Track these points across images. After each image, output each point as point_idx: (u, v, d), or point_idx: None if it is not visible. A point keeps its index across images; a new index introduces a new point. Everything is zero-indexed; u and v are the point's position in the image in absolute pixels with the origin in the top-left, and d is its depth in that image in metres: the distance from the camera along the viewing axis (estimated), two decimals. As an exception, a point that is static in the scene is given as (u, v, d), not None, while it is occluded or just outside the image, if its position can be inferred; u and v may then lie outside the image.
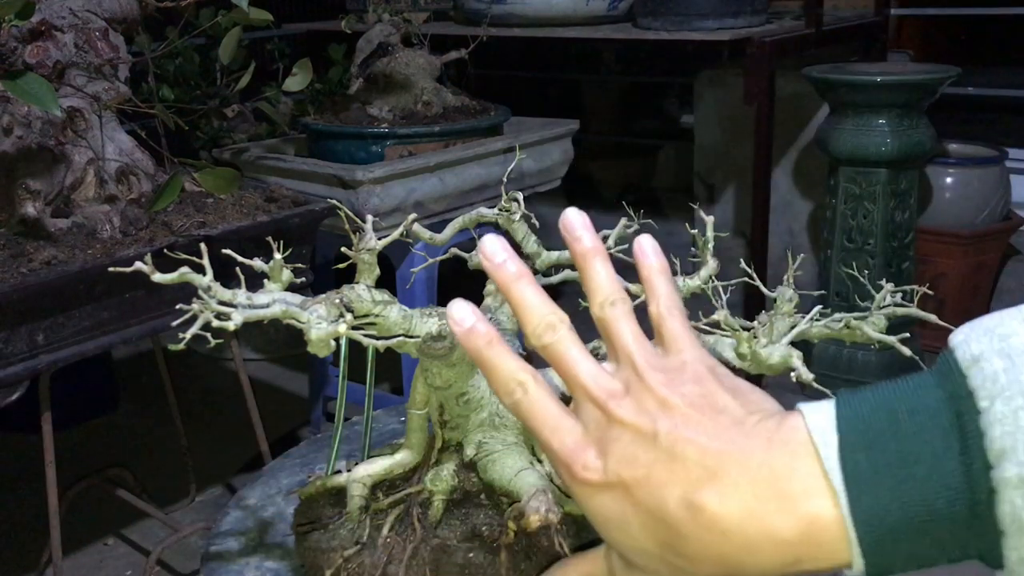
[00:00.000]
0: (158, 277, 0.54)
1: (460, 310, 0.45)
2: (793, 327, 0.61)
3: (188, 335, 0.51)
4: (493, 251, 0.46)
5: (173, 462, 1.98)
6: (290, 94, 1.87)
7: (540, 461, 0.67)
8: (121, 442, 2.21)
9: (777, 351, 0.59)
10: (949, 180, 2.43)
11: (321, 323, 0.55)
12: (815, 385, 0.60)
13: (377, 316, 0.61)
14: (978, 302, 2.52)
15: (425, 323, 0.61)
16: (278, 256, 0.60)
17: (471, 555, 0.63)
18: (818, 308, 0.63)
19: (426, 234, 0.73)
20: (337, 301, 0.60)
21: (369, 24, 1.93)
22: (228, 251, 0.59)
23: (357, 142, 1.83)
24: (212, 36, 1.57)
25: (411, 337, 0.61)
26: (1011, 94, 3.17)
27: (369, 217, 0.69)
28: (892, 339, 0.61)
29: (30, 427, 1.51)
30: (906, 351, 0.60)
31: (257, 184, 1.67)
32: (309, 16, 2.98)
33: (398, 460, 0.68)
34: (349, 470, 0.72)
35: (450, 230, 0.74)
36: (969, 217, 2.41)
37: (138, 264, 0.53)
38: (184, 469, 1.91)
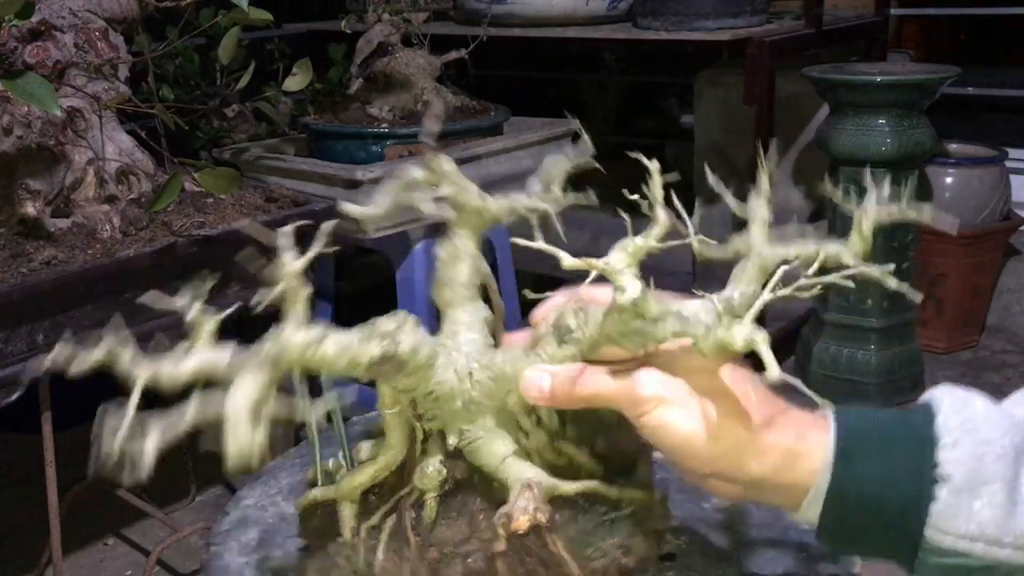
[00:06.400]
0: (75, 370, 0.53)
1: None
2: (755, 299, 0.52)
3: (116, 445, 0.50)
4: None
5: (173, 462, 1.97)
6: (290, 94, 1.87)
7: (526, 434, 0.62)
8: (121, 442, 2.21)
9: (740, 332, 0.50)
10: (949, 180, 2.43)
11: (239, 423, 0.52)
12: (806, 390, 0.53)
13: (311, 359, 0.57)
14: (978, 302, 2.52)
15: (368, 347, 0.57)
16: (197, 306, 0.55)
17: (469, 561, 0.61)
18: (783, 270, 0.54)
19: (356, 210, 0.64)
20: (265, 355, 0.55)
21: (369, 24, 1.93)
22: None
23: (357, 142, 1.83)
24: (212, 36, 1.57)
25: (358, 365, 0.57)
26: (1011, 94, 3.17)
27: (282, 231, 0.59)
28: (875, 270, 0.53)
29: (30, 427, 1.51)
30: (892, 282, 0.53)
31: (257, 184, 1.67)
32: (309, 16, 2.98)
33: (383, 464, 0.65)
34: (337, 472, 0.69)
35: (383, 199, 0.63)
36: (969, 217, 2.41)
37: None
38: (184, 469, 1.91)
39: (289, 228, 0.60)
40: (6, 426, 2.19)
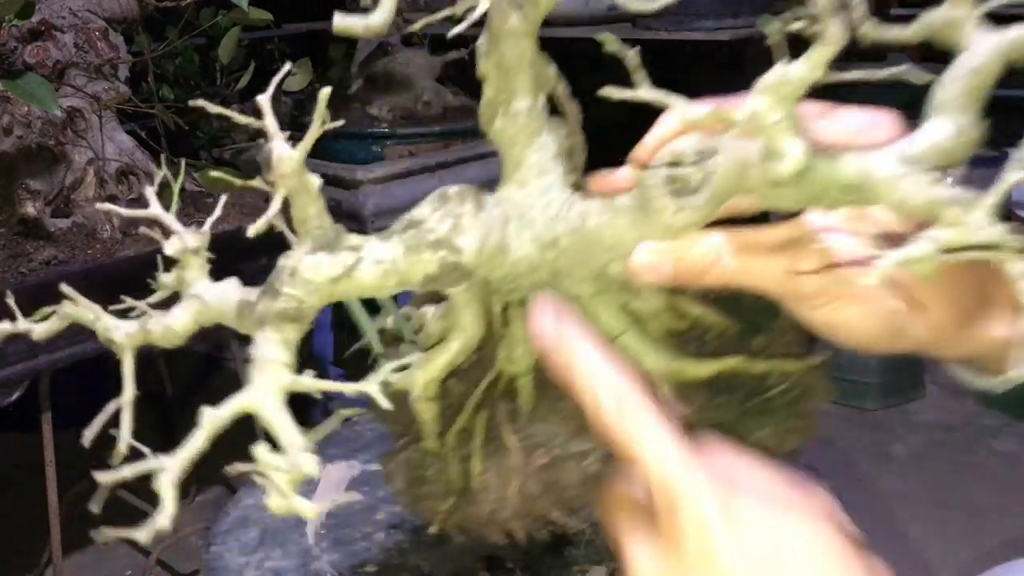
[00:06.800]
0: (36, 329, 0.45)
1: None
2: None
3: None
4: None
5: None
6: (290, 94, 1.87)
7: (636, 295, 0.47)
8: (121, 442, 2.21)
9: (976, 227, 0.34)
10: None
11: (283, 433, 0.38)
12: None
13: (345, 293, 0.44)
14: (978, 302, 2.52)
15: (419, 262, 0.43)
16: (180, 230, 0.42)
17: (585, 464, 0.48)
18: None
19: (358, 22, 0.42)
20: (281, 307, 0.42)
21: (369, 24, 1.93)
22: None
23: (357, 142, 1.83)
24: (212, 36, 1.57)
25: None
26: (1011, 94, 3.17)
27: (265, 109, 0.43)
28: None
29: (30, 427, 1.51)
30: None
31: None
32: (309, 16, 2.98)
33: (456, 350, 0.49)
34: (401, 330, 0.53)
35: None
36: (969, 217, 2.41)
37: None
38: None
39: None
40: (6, 426, 2.20)
